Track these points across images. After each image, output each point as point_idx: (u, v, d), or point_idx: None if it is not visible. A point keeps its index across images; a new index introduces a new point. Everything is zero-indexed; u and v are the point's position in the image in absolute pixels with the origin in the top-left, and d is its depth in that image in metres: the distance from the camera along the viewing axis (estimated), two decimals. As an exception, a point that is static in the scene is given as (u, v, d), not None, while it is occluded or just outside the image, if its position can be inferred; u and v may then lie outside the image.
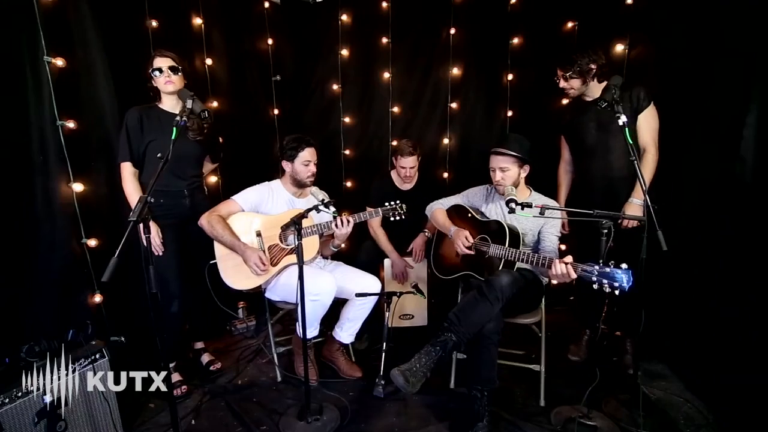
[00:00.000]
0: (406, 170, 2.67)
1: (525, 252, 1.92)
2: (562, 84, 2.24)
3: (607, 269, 1.57)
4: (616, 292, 1.55)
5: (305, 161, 2.29)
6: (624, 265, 1.55)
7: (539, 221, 2.11)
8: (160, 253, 2.09)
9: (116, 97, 2.24)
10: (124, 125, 2.06)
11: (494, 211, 2.25)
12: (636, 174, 1.74)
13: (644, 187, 1.70)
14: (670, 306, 2.39)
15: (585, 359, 2.49)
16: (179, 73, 2.10)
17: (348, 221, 2.15)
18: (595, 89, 2.21)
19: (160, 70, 2.07)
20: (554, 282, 1.92)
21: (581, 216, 1.69)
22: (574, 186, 2.49)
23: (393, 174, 2.84)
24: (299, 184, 2.34)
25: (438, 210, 2.40)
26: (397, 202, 2.18)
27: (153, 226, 2.04)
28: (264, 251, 2.20)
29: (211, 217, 2.19)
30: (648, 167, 2.11)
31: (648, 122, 2.13)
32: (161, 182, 2.09)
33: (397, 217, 2.18)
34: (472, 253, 2.12)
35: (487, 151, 2.23)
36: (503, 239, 2.01)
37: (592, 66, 2.16)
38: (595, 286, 1.60)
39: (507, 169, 2.10)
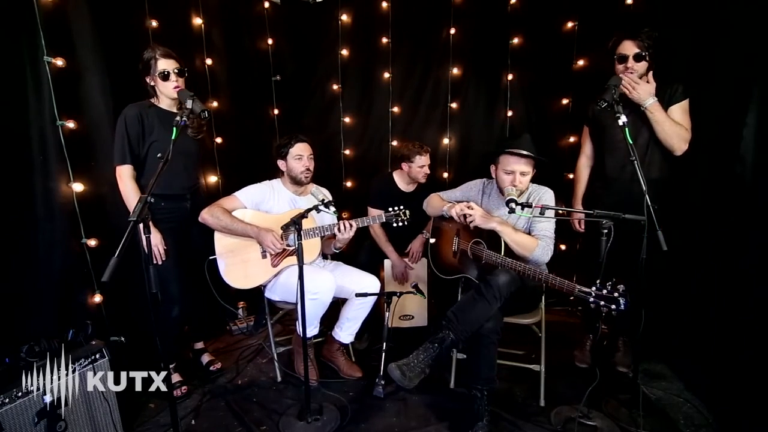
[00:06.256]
0: (425, 168, 2.70)
1: (520, 264, 1.89)
2: (630, 63, 2.06)
3: (604, 292, 1.57)
4: (613, 313, 1.56)
5: (297, 156, 2.30)
6: (621, 287, 1.55)
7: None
8: (160, 262, 2.03)
9: (116, 97, 2.24)
10: (123, 125, 1.99)
11: (489, 206, 2.22)
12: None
13: (645, 187, 1.70)
14: (670, 306, 2.39)
15: (592, 365, 2.46)
16: (185, 75, 2.08)
17: (351, 225, 2.15)
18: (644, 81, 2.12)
19: (167, 75, 2.03)
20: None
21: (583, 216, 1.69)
22: (589, 183, 2.42)
23: (396, 175, 2.84)
24: (296, 181, 2.34)
25: (434, 196, 2.40)
26: (401, 207, 2.18)
27: (156, 234, 2.01)
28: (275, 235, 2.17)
29: (214, 210, 2.17)
30: (677, 126, 2.03)
31: (683, 115, 2.05)
32: (162, 184, 2.08)
33: (400, 224, 2.18)
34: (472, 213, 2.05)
35: (486, 151, 2.21)
36: (498, 245, 2.00)
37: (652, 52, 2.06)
38: (593, 306, 1.60)
39: (527, 173, 2.03)
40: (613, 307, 1.55)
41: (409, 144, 2.74)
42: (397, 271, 2.75)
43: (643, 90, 2.02)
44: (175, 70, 2.04)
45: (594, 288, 1.60)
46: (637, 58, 2.06)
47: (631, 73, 2.07)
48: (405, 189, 2.82)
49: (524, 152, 1.99)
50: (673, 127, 2.03)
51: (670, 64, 2.24)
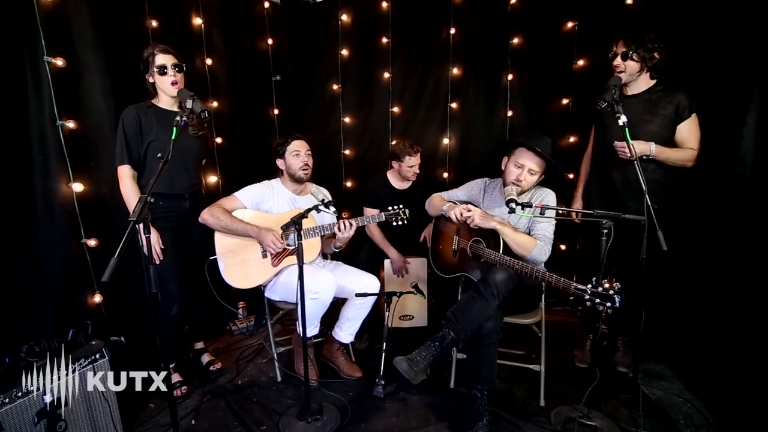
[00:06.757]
0: (414, 168, 2.74)
1: (518, 262, 1.89)
2: (617, 62, 2.09)
3: (599, 289, 1.57)
4: (609, 311, 1.56)
5: (294, 152, 2.31)
6: (617, 285, 1.55)
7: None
8: (158, 262, 2.02)
9: (116, 97, 2.24)
10: (121, 126, 2.01)
11: (491, 204, 2.22)
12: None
13: (645, 187, 1.70)
14: (670, 306, 2.39)
15: (592, 365, 2.45)
16: (183, 71, 2.08)
17: (351, 224, 2.15)
18: (642, 83, 2.13)
19: (164, 69, 2.02)
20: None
21: (583, 216, 1.68)
22: (590, 182, 2.43)
23: (389, 174, 2.87)
24: (295, 179, 2.34)
25: (436, 196, 2.40)
26: (400, 206, 2.19)
27: (153, 233, 1.99)
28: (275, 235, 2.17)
29: (214, 210, 2.17)
30: (684, 152, 2.06)
31: (691, 132, 2.07)
32: (162, 184, 2.08)
33: (399, 222, 2.18)
34: (469, 216, 2.04)
35: (486, 151, 2.20)
36: (497, 243, 2.00)
37: (656, 55, 2.06)
38: (588, 304, 1.60)
39: (535, 173, 2.03)
40: (609, 304, 1.54)
41: (401, 143, 2.76)
42: (397, 266, 2.76)
43: (639, 148, 1.99)
44: (173, 65, 2.04)
45: (590, 285, 1.60)
46: (624, 56, 2.07)
47: (621, 72, 2.09)
48: (398, 187, 2.85)
49: (540, 151, 2.00)
50: (682, 155, 2.08)
51: (669, 64, 2.24)
